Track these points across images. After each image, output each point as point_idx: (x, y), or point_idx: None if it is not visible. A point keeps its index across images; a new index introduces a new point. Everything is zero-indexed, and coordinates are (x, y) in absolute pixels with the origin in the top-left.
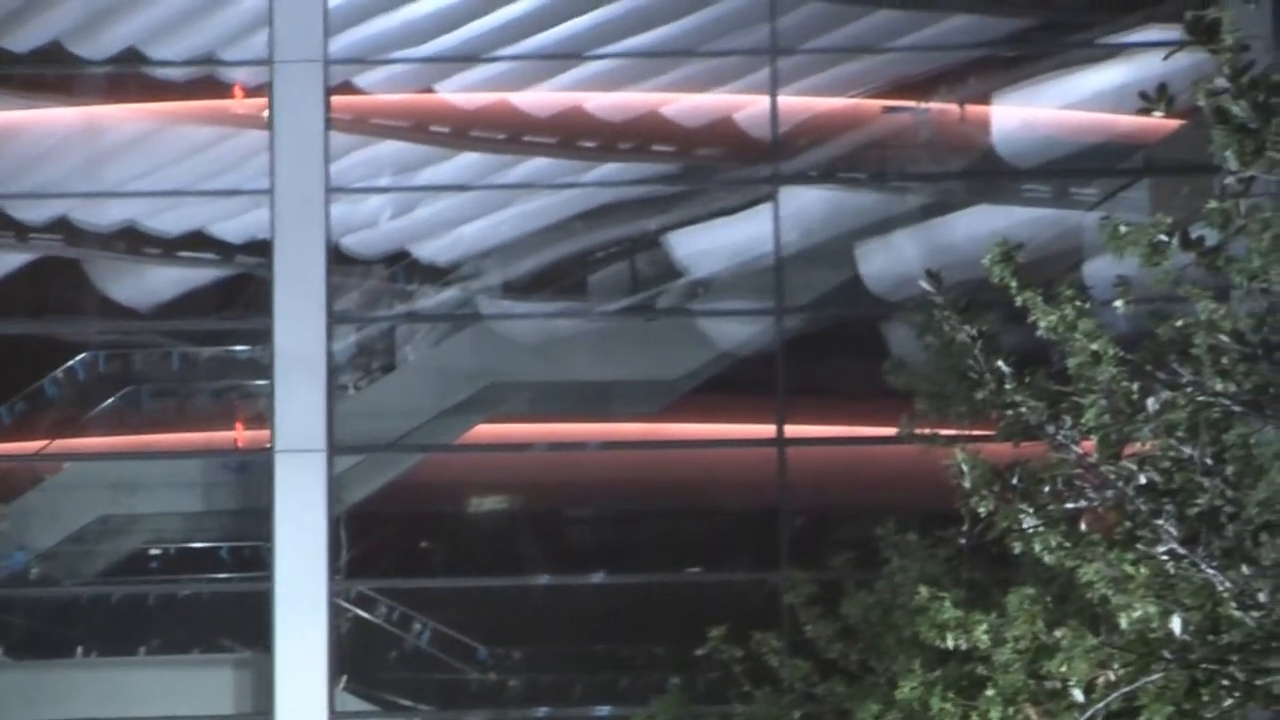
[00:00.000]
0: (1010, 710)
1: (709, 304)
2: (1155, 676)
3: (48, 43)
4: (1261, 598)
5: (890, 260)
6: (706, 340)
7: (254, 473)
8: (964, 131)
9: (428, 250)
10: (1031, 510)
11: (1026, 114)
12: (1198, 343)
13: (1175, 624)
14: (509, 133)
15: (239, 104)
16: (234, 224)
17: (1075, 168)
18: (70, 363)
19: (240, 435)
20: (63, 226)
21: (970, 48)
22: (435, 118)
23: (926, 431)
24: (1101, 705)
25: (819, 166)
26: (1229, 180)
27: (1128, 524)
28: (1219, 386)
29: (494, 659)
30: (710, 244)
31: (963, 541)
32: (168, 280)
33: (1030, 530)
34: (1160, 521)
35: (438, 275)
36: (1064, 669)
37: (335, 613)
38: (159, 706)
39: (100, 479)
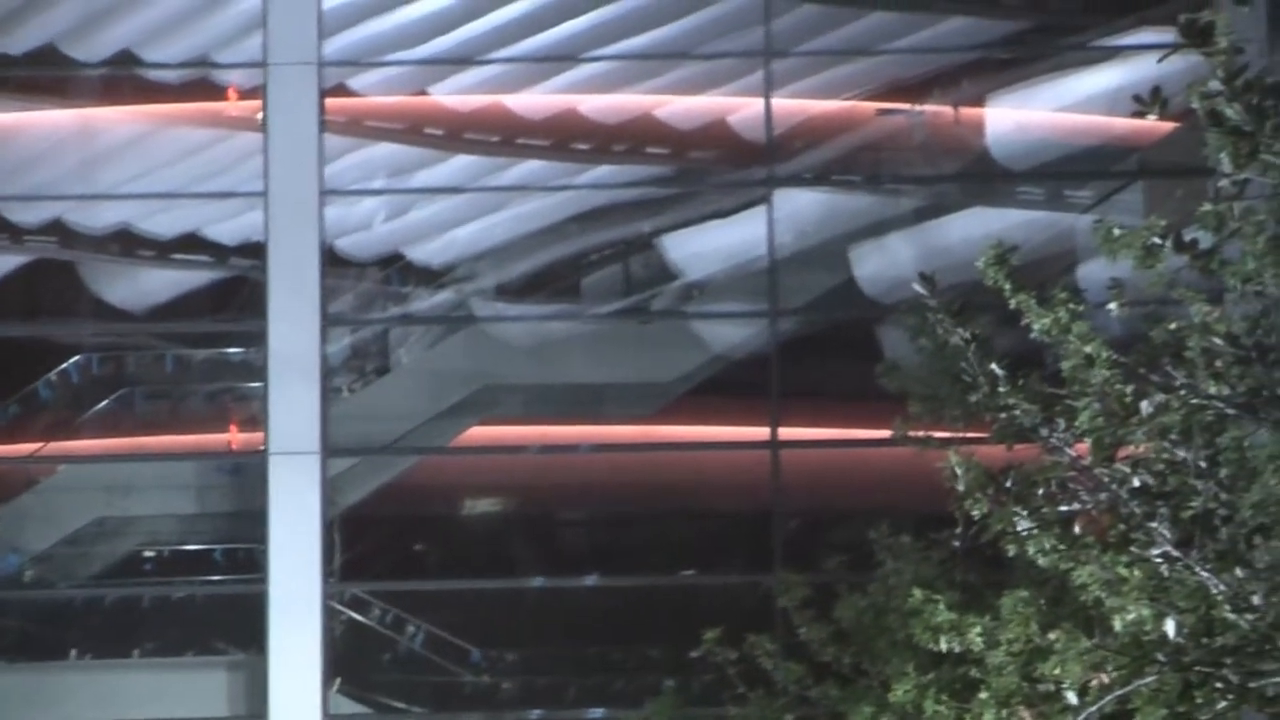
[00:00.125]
0: (1004, 713)
1: (703, 306)
2: (1149, 679)
3: (42, 45)
4: (1255, 600)
5: (884, 263)
6: (701, 343)
7: (248, 475)
8: (958, 134)
9: (422, 253)
10: (1025, 513)
11: (1021, 116)
12: (1192, 345)
13: (1169, 626)
14: (503, 135)
15: (233, 106)
16: (228, 226)
17: (1069, 170)
18: (64, 365)
19: (234, 438)
20: (57, 229)
21: (964, 50)
22: (429, 120)
23: (920, 434)
24: (1095, 708)
25: (813, 169)
26: (1223, 183)
27: (1122, 527)
28: (1213, 389)
29: (487, 661)
30: (704, 246)
31: (956, 544)
32: (162, 282)
33: (1024, 533)
34: (1154, 524)
35: (432, 278)
36: (1058, 671)
37: (329, 615)
38: (153, 709)
39: (95, 481)
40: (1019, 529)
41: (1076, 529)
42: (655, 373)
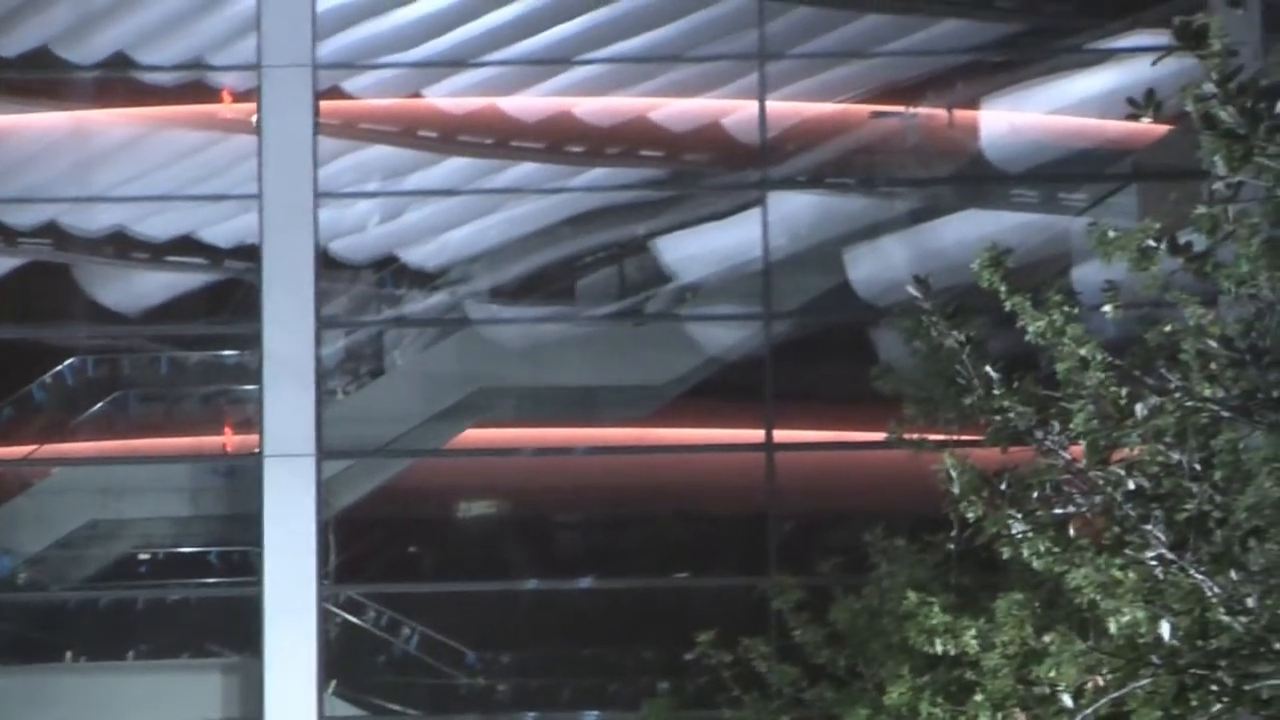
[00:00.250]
0: (999, 715)
1: (697, 309)
2: (1144, 681)
3: (36, 47)
4: (1250, 603)
5: (878, 265)
6: (695, 345)
7: (243, 478)
8: (952, 136)
9: (416, 255)
10: (1020, 515)
11: (1015, 119)
12: (1186, 348)
13: (1164, 629)
14: (497, 138)
15: (227, 109)
16: (222, 229)
17: (1063, 173)
18: (59, 367)
19: (229, 440)
20: (51, 231)
21: (958, 53)
22: (423, 123)
23: (915, 437)
24: (1090, 710)
25: (807, 171)
26: (1217, 186)
27: (1116, 529)
28: (1207, 392)
29: (482, 663)
30: (698, 249)
31: (951, 547)
32: (156, 285)
33: (1019, 535)
34: (1149, 527)
35: (426, 280)
36: (1053, 674)
37: (324, 617)
38: (148, 712)
39: (89, 484)
40: (1013, 532)
41: (1071, 532)
42: (650, 375)
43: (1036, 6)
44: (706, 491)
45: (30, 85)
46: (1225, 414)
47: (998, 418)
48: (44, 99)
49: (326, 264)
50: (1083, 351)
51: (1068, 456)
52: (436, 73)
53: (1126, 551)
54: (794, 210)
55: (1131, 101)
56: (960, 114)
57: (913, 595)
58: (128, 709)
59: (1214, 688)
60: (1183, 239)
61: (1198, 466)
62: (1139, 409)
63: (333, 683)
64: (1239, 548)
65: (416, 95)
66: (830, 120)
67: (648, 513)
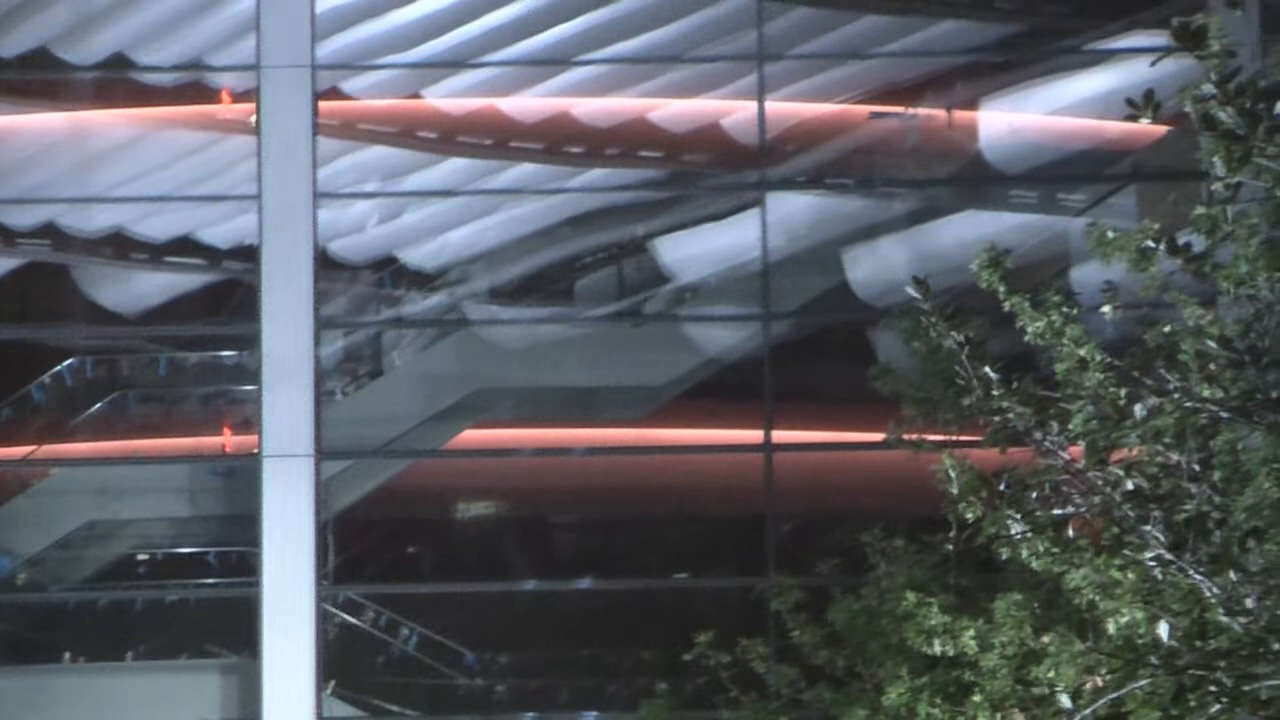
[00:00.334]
0: (998, 716)
1: (696, 309)
2: (1142, 682)
3: (35, 48)
4: (1249, 603)
5: (877, 266)
6: (693, 346)
7: (241, 478)
8: (951, 137)
9: (415, 256)
10: (1019, 516)
11: (1013, 120)
12: (1185, 349)
13: (1162, 629)
14: (496, 138)
15: (226, 109)
16: (221, 229)
17: (1062, 173)
18: (58, 368)
19: (228, 440)
20: (50, 232)
21: (957, 54)
22: (422, 123)
23: (914, 437)
24: (1089, 711)
25: (806, 172)
26: (1216, 186)
27: (1115, 530)
28: (1206, 392)
29: (481, 664)
30: (697, 249)
31: (950, 547)
32: (155, 285)
33: (1017, 536)
34: (1147, 527)
35: (425, 280)
36: (1051, 675)
37: (322, 618)
38: (146, 712)
39: (87, 484)
40: (1012, 532)
41: (1070, 532)
42: (648, 376)
43: (1035, 7)
44: (705, 492)
45: (29, 86)
46: (1224, 415)
47: (996, 418)
48: (43, 99)
49: (325, 265)
50: (1082, 352)
51: (1066, 457)
52: (435, 73)
53: (1125, 552)
54: (793, 211)
55: (1130, 102)
56: (959, 115)
57: (911, 596)
58: (126, 709)
59: (1213, 688)
60: (1181, 240)
61: (1197, 467)
62: (1138, 410)
63: (331, 683)
64: (1238, 548)
65: (415, 96)
66: (829, 121)
67: (646, 513)
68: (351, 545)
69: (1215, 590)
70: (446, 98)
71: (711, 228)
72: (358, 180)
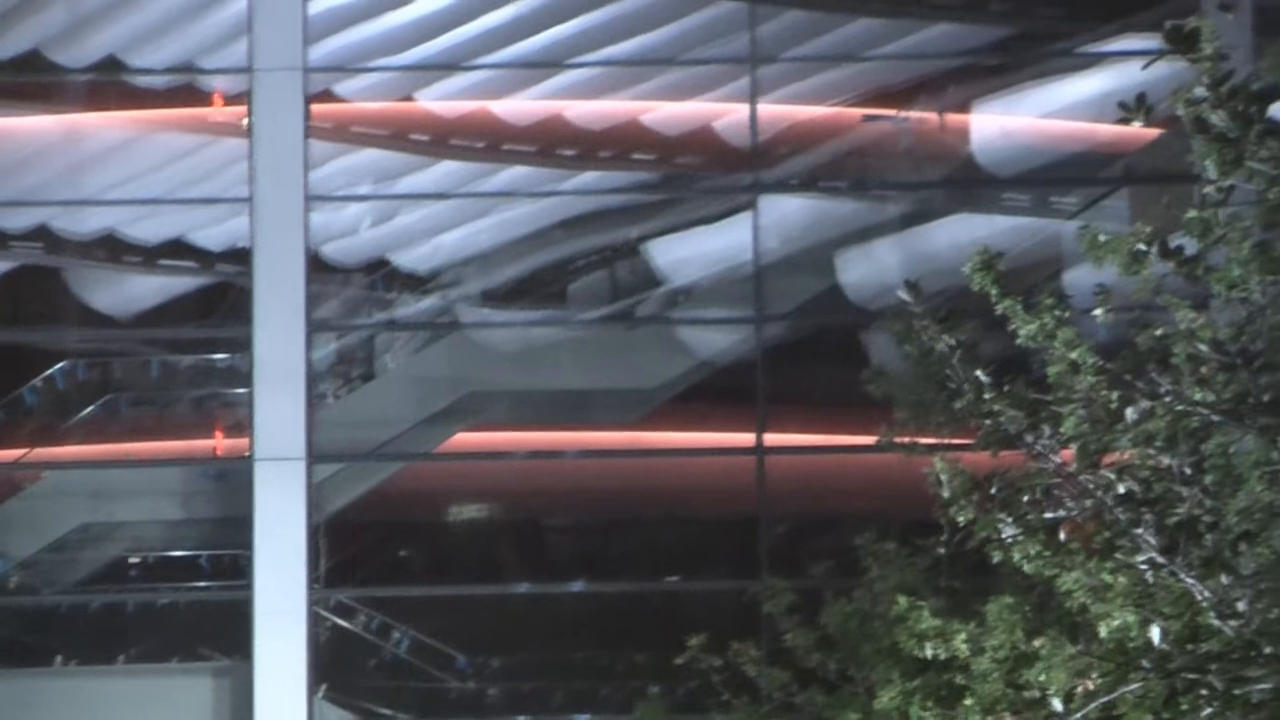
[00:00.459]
0: (989, 719)
1: (689, 312)
2: (1134, 685)
3: (28, 50)
4: (1240, 607)
5: (870, 269)
6: (686, 349)
7: (233, 481)
8: (944, 140)
9: (407, 258)
10: (1010, 519)
11: (1006, 123)
12: (1177, 352)
13: (1154, 633)
14: (489, 141)
15: (219, 112)
16: (213, 232)
17: (1055, 177)
18: (50, 371)
19: (220, 444)
20: (42, 235)
21: (950, 57)
22: (415, 126)
23: (906, 440)
24: (1080, 714)
25: (799, 175)
26: (1208, 189)
27: (1106, 533)
28: (1198, 396)
29: (473, 667)
30: (690, 252)
31: (942, 550)
32: (147, 288)
33: (1009, 539)
34: (1139, 531)
35: (417, 283)
36: (1043, 678)
37: (314, 621)
38: (138, 716)
39: (80, 487)
40: (1004, 535)
41: (1061, 535)
42: (641, 379)
43: (1028, 10)
44: (698, 495)
45: (22, 88)
46: (1216, 418)
47: (988, 421)
48: (35, 102)
49: (318, 267)
50: (1074, 355)
51: (1058, 460)
52: (428, 76)
53: (1117, 555)
54: (786, 214)
55: (1123, 105)
56: (952, 118)
57: (903, 599)
58: (118, 713)
59: (1204, 692)
60: (1174, 243)
61: (1188, 470)
62: (1130, 413)
63: (323, 687)
64: (1229, 552)
65: (408, 99)
66: (822, 124)
67: (639, 516)
68: (344, 549)
69: (1207, 594)
70: (439, 100)
71: (704, 230)
72: (350, 183)
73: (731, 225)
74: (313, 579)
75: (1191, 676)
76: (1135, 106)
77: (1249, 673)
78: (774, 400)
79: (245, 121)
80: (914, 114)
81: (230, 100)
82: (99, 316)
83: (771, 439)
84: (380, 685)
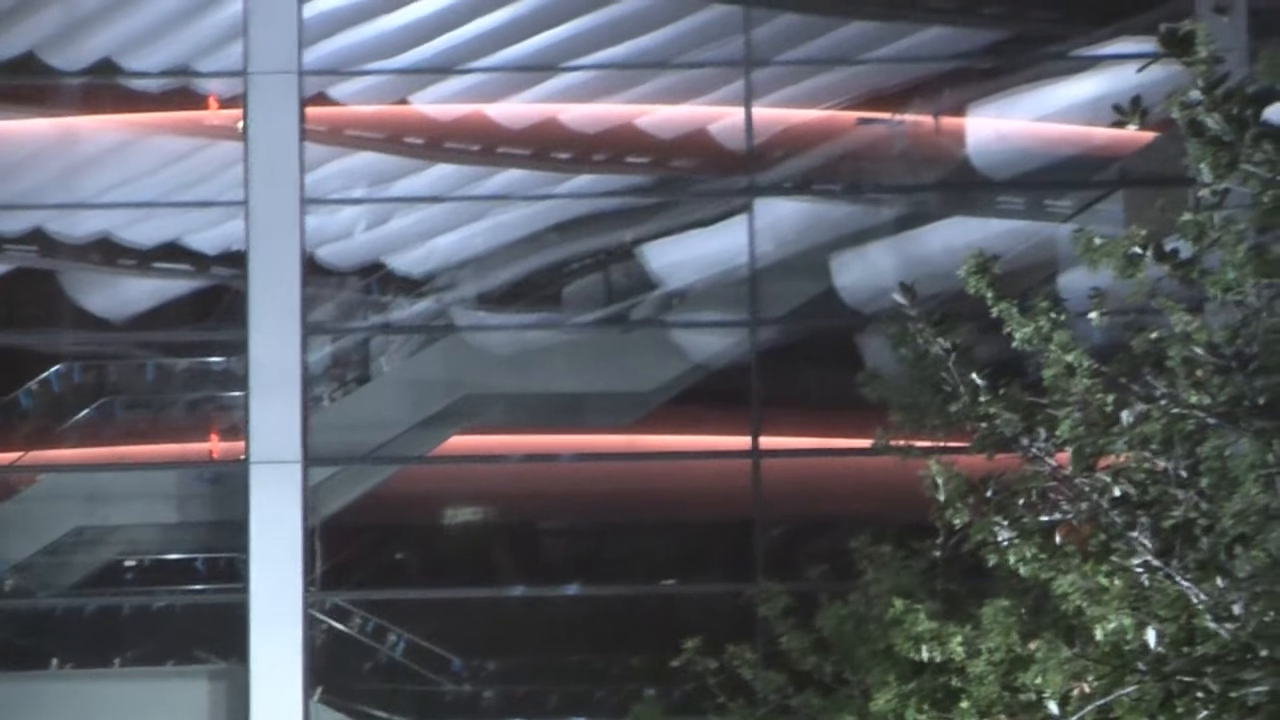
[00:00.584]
0: None
1: (684, 316)
2: (1130, 688)
3: (23, 53)
4: (1236, 609)
5: (865, 272)
6: (681, 352)
7: (229, 484)
8: (939, 143)
9: (402, 261)
10: (1006, 522)
11: (1001, 126)
12: (1172, 355)
13: (1150, 636)
14: (484, 144)
15: (214, 115)
16: (209, 235)
17: (1050, 180)
18: (45, 374)
19: (215, 447)
20: (37, 237)
21: (945, 60)
22: (410, 129)
23: (901, 443)
24: (1076, 717)
25: (794, 178)
26: (1203, 193)
27: (1102, 536)
28: (1193, 399)
29: (469, 670)
30: (685, 255)
31: (937, 553)
32: (142, 291)
33: (1005, 542)
34: (1135, 534)
35: (412, 286)
36: (1039, 681)
37: (310, 624)
38: (134, 718)
39: (75, 490)
40: (1000, 538)
41: (1057, 538)
42: (636, 382)
43: (1023, 13)
44: (693, 498)
45: (17, 91)
46: (1211, 421)
47: (984, 424)
48: (30, 105)
49: (313, 270)
50: (1069, 358)
51: (1054, 463)
52: (423, 79)
53: (1113, 558)
54: (781, 217)
55: (1117, 108)
56: (947, 121)
57: (899, 602)
58: (114, 716)
59: (1200, 695)
60: (1169, 246)
61: (1184, 473)
62: (1125, 416)
63: (319, 690)
64: (1225, 554)
65: (403, 102)
66: (817, 127)
67: (635, 519)
68: (339, 551)
69: (1202, 596)
70: (434, 103)
71: (699, 233)
72: (345, 186)
73: (726, 228)
74: (308, 582)
75: (1187, 679)
76: (1130, 110)
77: (1245, 675)
78: (769, 403)
79: (240, 124)
80: (909, 117)
81: (225, 103)
82: (94, 319)
83: (767, 442)
84: (376, 688)
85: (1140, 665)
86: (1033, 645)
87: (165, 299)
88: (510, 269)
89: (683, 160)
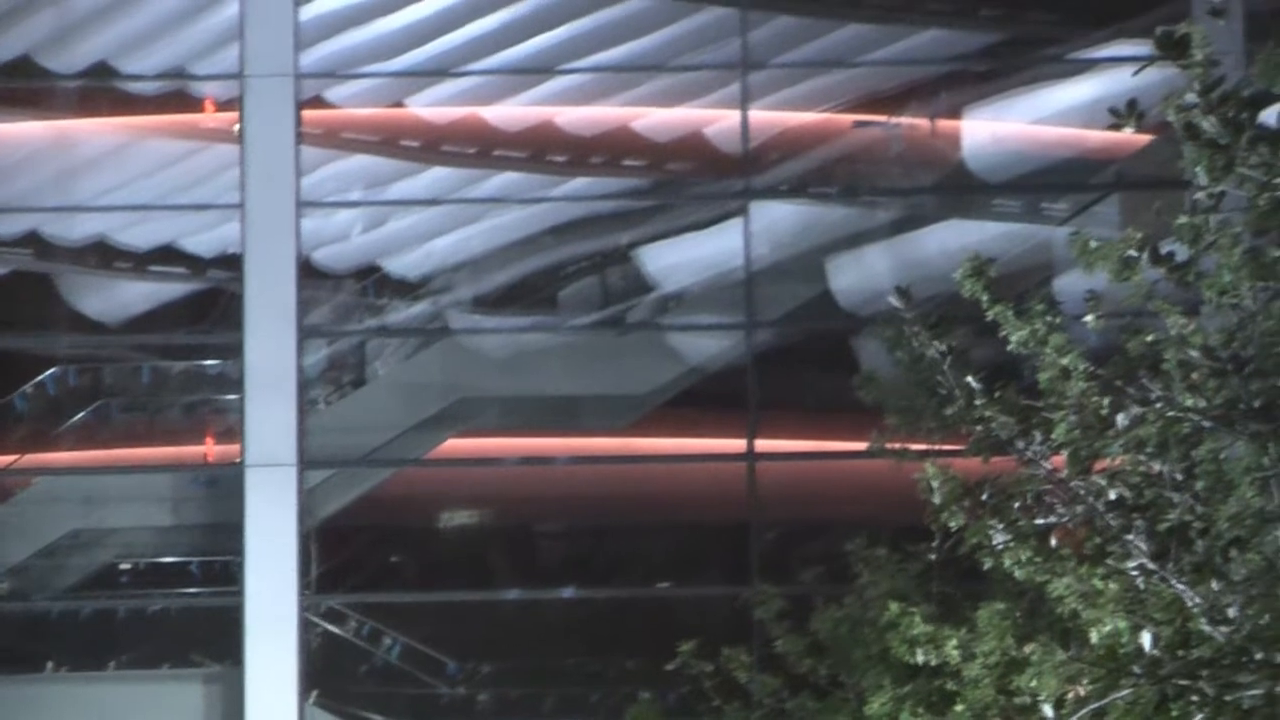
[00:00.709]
0: None
1: (680, 318)
2: (1125, 692)
3: (18, 56)
4: (1231, 613)
5: (861, 275)
6: (677, 355)
7: (224, 487)
8: (935, 146)
9: (398, 264)
10: (1001, 525)
11: (997, 129)
12: (1168, 358)
13: (1145, 639)
14: (480, 147)
15: (210, 118)
16: (204, 238)
17: (1046, 182)
18: (41, 377)
19: (211, 450)
20: (33, 241)
21: (941, 62)
22: (406, 132)
23: (897, 446)
24: None
25: (790, 181)
26: (1199, 196)
27: (1098, 539)
28: (1189, 402)
29: (464, 673)
30: (681, 258)
31: (932, 557)
32: (138, 294)
33: (1000, 545)
34: (1130, 537)
35: (408, 289)
36: (1034, 684)
37: (305, 627)
38: None
39: (71, 494)
40: (995, 541)
41: (1053, 541)
42: (632, 385)
43: (1019, 16)
44: (689, 501)
45: (12, 94)
46: (1207, 424)
47: (979, 427)
48: (26, 108)
49: (309, 273)
50: (1065, 361)
51: (1049, 466)
52: (419, 82)
53: (1108, 561)
54: (776, 219)
55: (1113, 111)
56: (943, 123)
57: (894, 605)
58: (109, 719)
59: (1195, 698)
60: (1165, 249)
61: (1179, 476)
62: (1121, 419)
63: (314, 693)
64: (1220, 558)
65: (399, 105)
66: (813, 129)
67: (630, 522)
68: (334, 555)
69: (1198, 599)
70: (430, 106)
71: (695, 236)
72: (341, 189)
73: (722, 231)
74: (304, 585)
75: (1182, 682)
76: (1126, 112)
77: (1240, 679)
78: (765, 406)
79: (236, 127)
80: (905, 120)
81: (221, 106)
82: (90, 322)
83: (762, 445)
84: (371, 691)
85: (1135, 668)
86: (1028, 648)
87: (161, 302)
88: (506, 272)
89: (679, 163)
